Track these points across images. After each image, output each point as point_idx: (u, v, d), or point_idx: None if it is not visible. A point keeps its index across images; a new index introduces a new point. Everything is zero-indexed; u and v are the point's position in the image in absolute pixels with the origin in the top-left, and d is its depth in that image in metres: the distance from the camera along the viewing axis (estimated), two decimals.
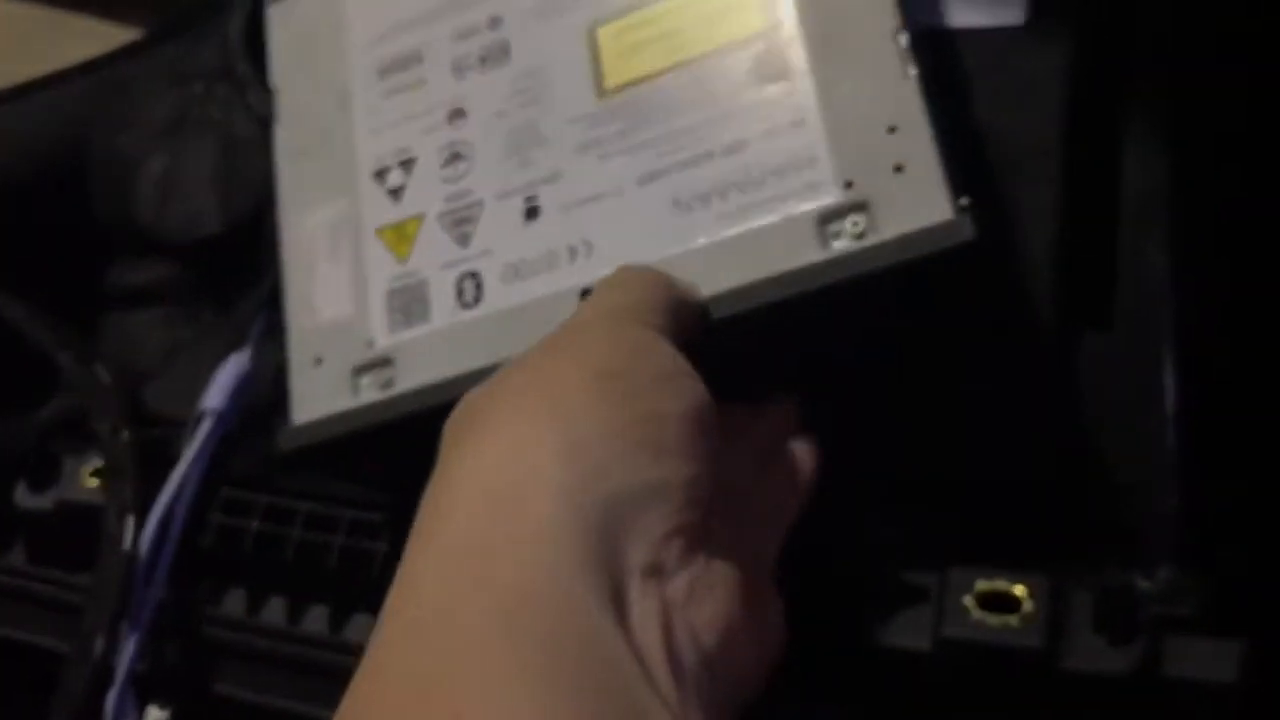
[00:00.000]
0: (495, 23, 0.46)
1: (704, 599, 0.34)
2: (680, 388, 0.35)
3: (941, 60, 0.45)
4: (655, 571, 0.33)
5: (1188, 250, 0.42)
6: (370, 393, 0.44)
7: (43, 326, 0.56)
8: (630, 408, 0.34)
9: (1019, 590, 0.38)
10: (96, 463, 0.52)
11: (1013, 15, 0.45)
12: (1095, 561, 0.40)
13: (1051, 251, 0.42)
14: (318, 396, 0.45)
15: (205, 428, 0.50)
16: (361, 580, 0.47)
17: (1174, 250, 0.42)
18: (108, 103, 0.59)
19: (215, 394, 0.51)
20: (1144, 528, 0.41)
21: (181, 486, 0.50)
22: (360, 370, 0.45)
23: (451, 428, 0.35)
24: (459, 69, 0.47)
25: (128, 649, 0.49)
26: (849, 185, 0.40)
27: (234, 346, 0.52)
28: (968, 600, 0.39)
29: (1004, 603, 0.38)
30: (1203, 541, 0.40)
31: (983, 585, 0.39)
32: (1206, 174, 0.44)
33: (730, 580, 0.35)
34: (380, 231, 0.46)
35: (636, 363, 0.35)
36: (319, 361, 0.46)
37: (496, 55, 0.46)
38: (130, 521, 0.49)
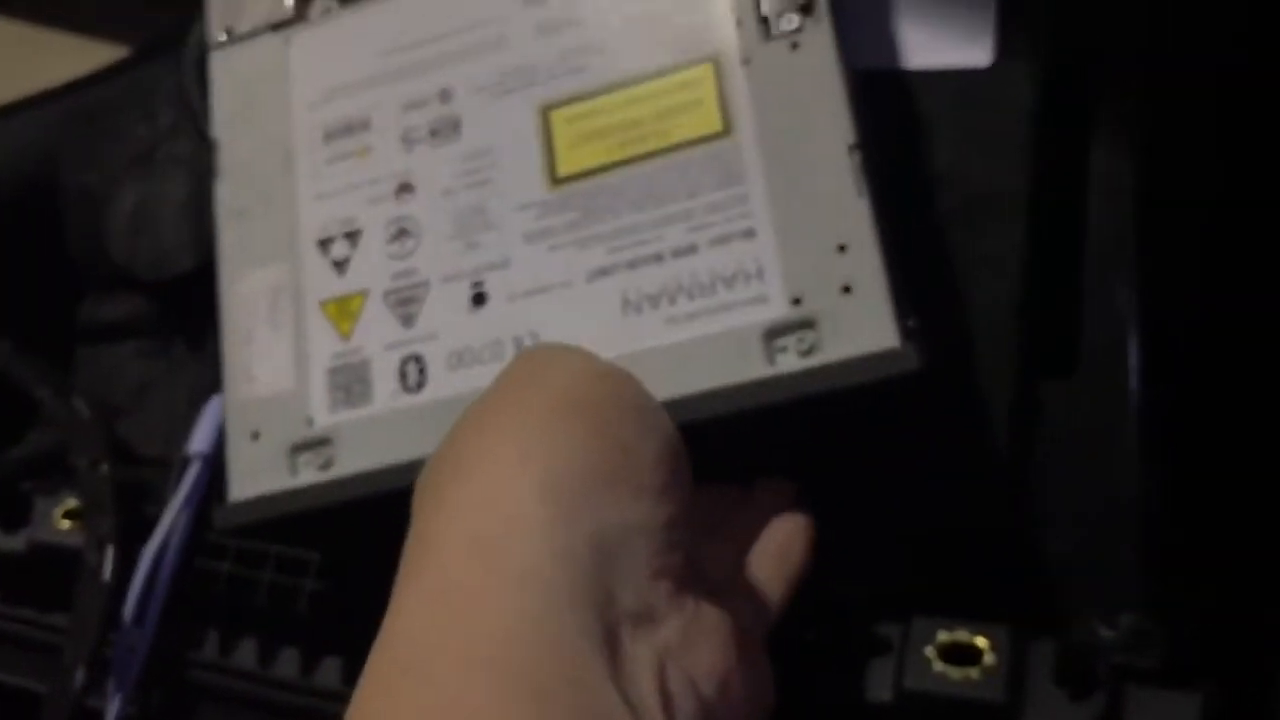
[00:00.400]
0: (446, 96, 0.45)
1: (699, 645, 0.33)
2: (650, 421, 0.35)
3: (903, 103, 0.45)
4: (646, 617, 0.33)
5: (1150, 293, 0.42)
6: (309, 473, 0.43)
7: (22, 362, 0.56)
8: (604, 440, 0.34)
9: (980, 642, 0.38)
10: (69, 503, 0.52)
11: (978, 56, 0.44)
12: (1060, 607, 0.40)
13: (1014, 297, 0.42)
14: (255, 473, 0.44)
15: (193, 473, 0.50)
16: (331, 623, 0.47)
17: (1137, 292, 0.42)
18: (78, 134, 0.59)
19: (201, 438, 0.50)
20: (1108, 573, 0.41)
21: (170, 532, 0.49)
22: (299, 449, 0.44)
23: (423, 485, 0.35)
24: (408, 141, 0.45)
25: (117, 695, 0.49)
26: (797, 302, 0.39)
27: (210, 386, 0.51)
28: (929, 652, 0.39)
29: (965, 654, 0.38)
30: (1167, 586, 0.40)
31: (944, 637, 0.39)
32: (1171, 215, 0.43)
33: (724, 629, 0.34)
34: (324, 305, 0.45)
35: (606, 390, 0.35)
36: (256, 436, 0.45)
37: (446, 130, 0.45)
38: (110, 554, 0.49)
